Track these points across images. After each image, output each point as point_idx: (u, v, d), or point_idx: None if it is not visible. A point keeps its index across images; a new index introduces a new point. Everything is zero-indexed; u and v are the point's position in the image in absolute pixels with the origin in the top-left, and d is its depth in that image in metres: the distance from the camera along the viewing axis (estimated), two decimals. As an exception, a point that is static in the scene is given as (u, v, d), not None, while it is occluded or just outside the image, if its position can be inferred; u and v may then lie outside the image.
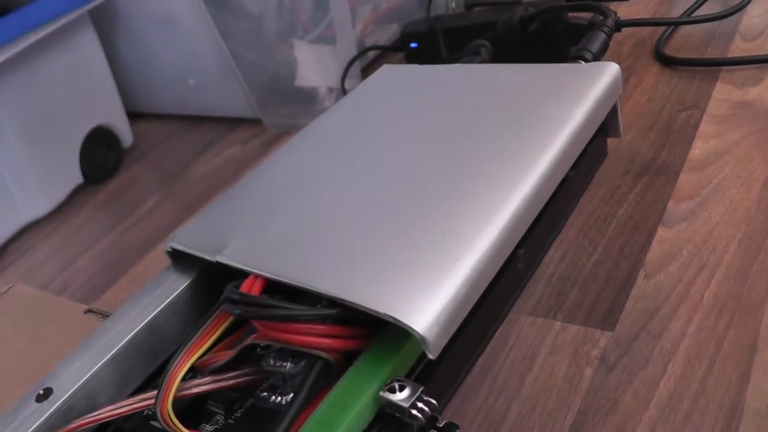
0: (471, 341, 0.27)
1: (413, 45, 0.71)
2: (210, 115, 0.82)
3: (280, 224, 0.29)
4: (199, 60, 0.77)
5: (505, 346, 0.41)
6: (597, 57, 0.40)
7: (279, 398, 0.26)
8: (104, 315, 0.39)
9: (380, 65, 0.78)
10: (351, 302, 0.24)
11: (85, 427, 0.27)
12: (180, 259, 0.31)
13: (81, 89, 0.74)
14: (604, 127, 0.34)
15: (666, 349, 0.37)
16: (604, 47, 0.41)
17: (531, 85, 0.32)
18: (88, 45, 0.76)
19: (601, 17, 0.44)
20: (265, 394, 0.27)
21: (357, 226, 0.28)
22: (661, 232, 0.46)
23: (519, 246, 0.28)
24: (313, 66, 0.71)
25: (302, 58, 0.71)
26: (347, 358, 0.25)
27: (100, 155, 0.77)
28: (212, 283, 0.29)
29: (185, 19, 0.75)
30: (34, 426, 0.28)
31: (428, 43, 0.68)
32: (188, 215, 0.67)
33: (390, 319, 0.23)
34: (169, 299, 0.31)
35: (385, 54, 0.78)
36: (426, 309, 0.23)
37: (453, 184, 0.28)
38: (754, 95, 0.57)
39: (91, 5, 0.74)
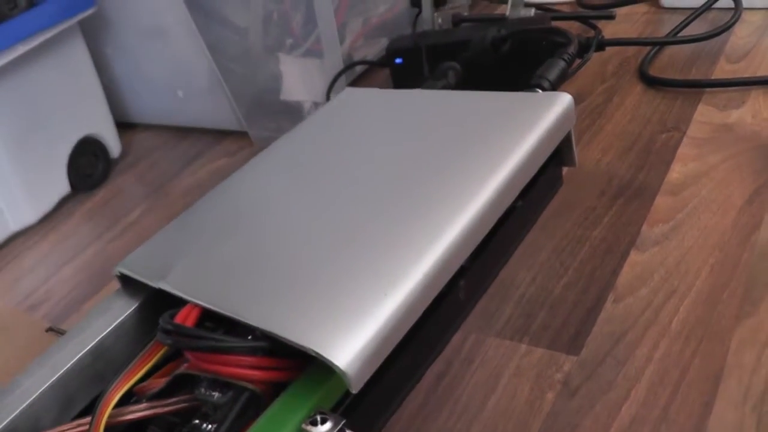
0: (402, 373, 0.27)
1: (398, 61, 0.71)
2: (198, 126, 0.82)
3: (223, 252, 0.30)
4: (187, 72, 0.78)
5: (469, 368, 0.41)
6: (555, 85, 0.40)
7: (209, 426, 0.27)
8: (62, 333, 0.39)
9: (370, 79, 0.78)
10: (278, 335, 0.24)
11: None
12: (129, 283, 0.31)
13: (70, 99, 0.75)
14: (559, 157, 0.34)
15: (630, 374, 0.37)
16: (563, 75, 0.41)
17: (483, 114, 0.33)
18: (78, 56, 0.76)
19: (564, 42, 0.44)
20: (197, 421, 0.27)
21: (295, 256, 0.28)
22: (634, 256, 0.46)
23: (460, 275, 0.28)
24: (298, 80, 0.72)
25: (287, 71, 0.71)
26: (279, 389, 0.25)
27: (88, 165, 0.77)
28: (160, 308, 0.30)
29: (173, 31, 0.75)
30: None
31: (413, 59, 0.68)
32: (173, 226, 0.66)
33: (312, 353, 0.23)
34: (115, 324, 0.31)
35: (372, 69, 0.78)
36: (349, 344, 0.23)
37: (392, 214, 0.28)
38: (736, 118, 0.57)
39: (81, 16, 0.74)
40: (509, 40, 0.53)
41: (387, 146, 0.33)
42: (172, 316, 0.27)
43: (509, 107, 0.33)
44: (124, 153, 0.82)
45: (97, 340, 0.30)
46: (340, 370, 0.23)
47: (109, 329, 0.31)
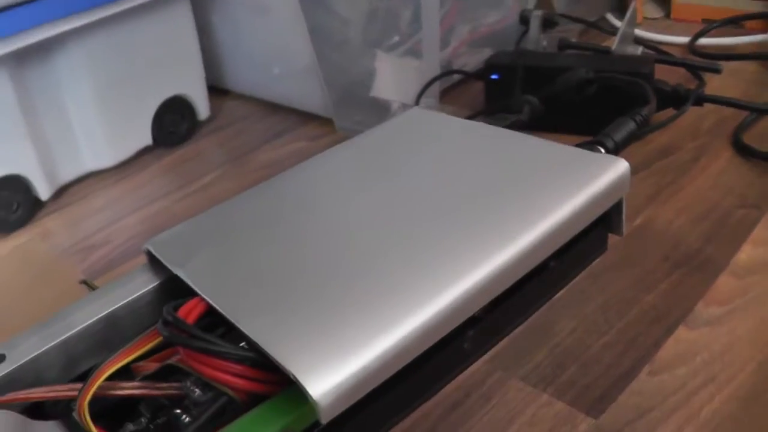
0: (384, 413, 0.26)
1: (494, 76, 0.70)
2: (287, 105, 0.83)
3: (246, 254, 0.30)
4: (286, 51, 0.78)
5: (486, 404, 0.41)
6: (619, 147, 0.39)
7: (187, 419, 0.27)
8: (95, 289, 0.41)
9: (464, 89, 0.77)
10: (264, 349, 0.24)
11: (15, 402, 0.28)
12: (156, 261, 0.32)
13: (166, 58, 0.77)
14: (606, 223, 0.33)
15: (644, 453, 0.36)
16: (629, 138, 0.40)
17: (535, 163, 0.32)
18: (181, 19, 0.78)
19: (643, 101, 0.43)
20: (179, 411, 0.28)
21: (309, 273, 0.28)
22: (681, 331, 0.44)
23: (470, 325, 0.28)
24: (391, 79, 0.72)
25: (381, 69, 0.71)
26: (258, 400, 0.25)
27: (173, 123, 0.79)
28: (178, 292, 0.30)
29: (280, 10, 0.76)
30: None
31: (509, 78, 0.67)
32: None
33: (290, 376, 0.23)
34: (131, 297, 0.32)
35: (467, 79, 0.78)
36: (328, 375, 0.23)
37: (413, 250, 0.28)
38: (821, 212, 0.55)
39: (193, -19, 0.76)
40: (595, 84, 0.51)
41: (432, 177, 0.32)
42: (177, 308, 0.27)
43: (564, 162, 0.32)
44: (212, 117, 0.84)
45: (110, 309, 0.31)
46: (312, 399, 0.23)
47: (124, 302, 0.31)
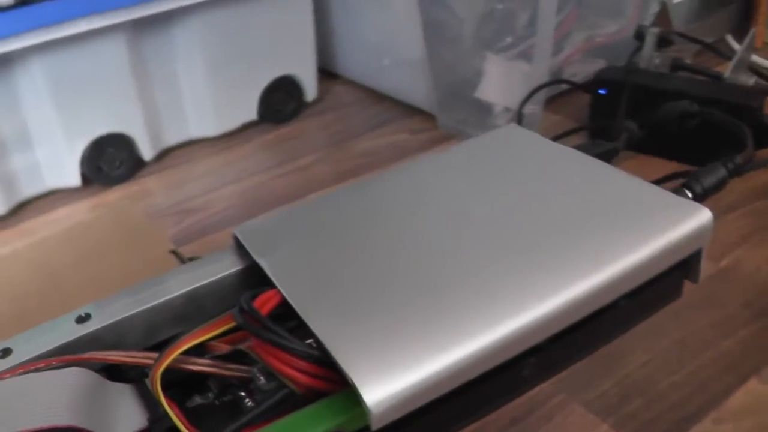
0: (434, 427, 0.27)
1: (601, 91, 0.70)
2: (393, 96, 0.84)
3: (327, 254, 0.31)
4: (398, 43, 0.79)
5: (545, 425, 0.41)
6: (706, 193, 0.38)
7: (249, 403, 0.29)
8: (183, 261, 0.43)
9: (570, 99, 0.77)
10: (328, 350, 0.25)
11: (94, 361, 0.30)
12: (242, 246, 0.34)
13: (281, 38, 0.79)
14: (683, 269, 0.32)
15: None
16: (719, 185, 0.39)
17: (619, 200, 0.32)
18: (300, 1, 0.80)
19: (740, 146, 0.42)
20: (243, 394, 0.29)
21: (383, 281, 0.29)
22: (753, 383, 0.44)
23: (532, 353, 0.28)
24: (498, 82, 0.72)
25: (490, 71, 0.72)
26: (317, 396, 0.26)
27: (280, 101, 0.81)
28: (259, 278, 0.31)
29: (395, 2, 0.77)
30: (63, 342, 0.31)
31: (616, 94, 0.67)
32: (338, 182, 0.69)
33: (348, 379, 0.24)
34: (214, 278, 0.33)
35: (574, 90, 0.77)
36: (385, 384, 0.24)
37: (487, 272, 0.29)
38: None
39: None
40: (697, 117, 0.50)
41: (517, 199, 0.33)
42: (254, 297, 0.29)
43: (648, 203, 0.32)
44: (318, 99, 0.85)
45: (193, 287, 0.33)
46: (365, 404, 0.24)
47: (206, 281, 0.33)
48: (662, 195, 0.32)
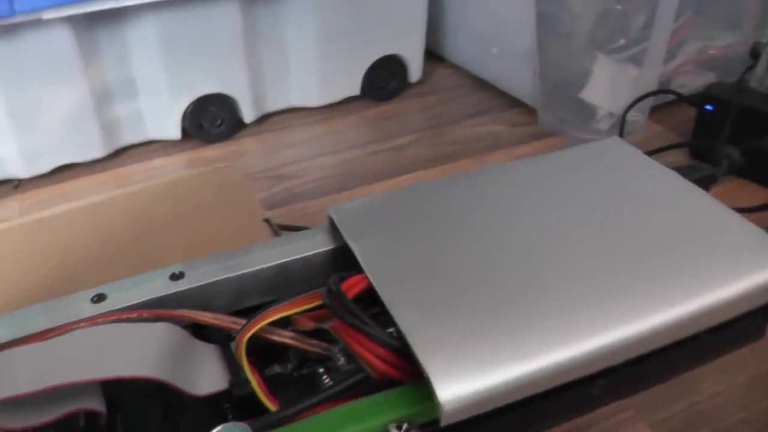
0: (498, 429, 0.28)
1: (708, 107, 0.68)
2: (496, 86, 0.84)
3: (419, 245, 0.32)
4: (509, 34, 0.79)
5: (608, 438, 0.41)
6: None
7: (327, 380, 0.29)
8: (275, 231, 0.44)
9: (675, 110, 0.75)
10: (408, 341, 0.26)
11: (183, 319, 0.31)
12: (336, 227, 0.34)
13: (392, 18, 0.79)
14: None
15: None
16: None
17: (713, 233, 0.31)
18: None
19: None
20: (322, 370, 0.30)
21: (472, 280, 0.29)
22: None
23: (604, 374, 0.28)
24: (605, 85, 0.71)
25: (598, 73, 0.71)
26: (391, 384, 0.27)
27: (384, 79, 0.82)
28: (349, 260, 0.32)
29: (513, -6, 0.77)
30: (156, 296, 0.33)
31: (723, 112, 0.65)
32: (431, 166, 0.70)
33: (424, 373, 0.25)
34: (305, 255, 0.35)
35: (680, 102, 0.75)
36: (458, 383, 0.25)
37: (573, 286, 0.29)
38: None
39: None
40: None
41: (610, 216, 0.33)
42: (342, 280, 0.30)
43: (741, 240, 0.31)
44: (422, 81, 0.86)
45: (284, 260, 0.34)
46: (438, 400, 0.25)
47: (298, 256, 0.34)
48: (757, 234, 0.32)
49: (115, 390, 0.31)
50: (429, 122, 0.80)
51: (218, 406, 0.31)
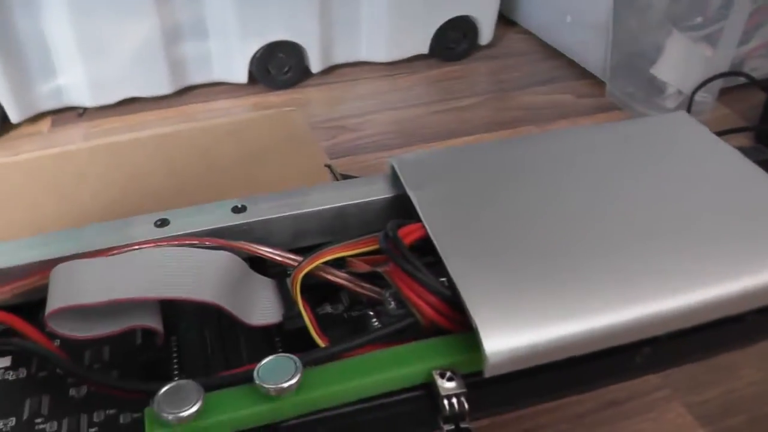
0: (540, 389, 0.28)
1: (779, 94, 0.66)
2: (566, 55, 0.83)
3: (477, 200, 0.32)
4: (584, 3, 0.78)
5: (641, 415, 0.42)
6: None
7: (376, 323, 0.30)
8: (336, 176, 0.45)
9: (745, 94, 0.74)
10: (459, 291, 0.26)
11: (242, 251, 0.32)
12: (397, 176, 0.35)
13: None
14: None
15: None
16: None
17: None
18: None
19: None
20: (372, 313, 0.31)
21: (527, 238, 0.30)
22: None
23: (648, 343, 0.29)
24: (677, 62, 0.70)
25: (671, 49, 0.70)
26: (438, 332, 0.28)
27: (453, 40, 0.82)
28: (407, 210, 0.33)
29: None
30: (217, 226, 0.34)
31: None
32: (492, 130, 0.70)
33: (473, 324, 0.25)
34: (365, 200, 0.35)
35: (751, 86, 0.74)
36: (505, 337, 0.25)
37: (626, 252, 0.29)
38: None
39: None
40: None
41: (668, 190, 0.33)
42: (399, 226, 0.30)
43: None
44: (492, 44, 0.85)
45: (344, 203, 0.35)
46: (484, 352, 0.25)
47: (358, 201, 0.35)
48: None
49: (172, 312, 0.32)
50: (495, 86, 0.79)
51: (269, 338, 0.32)
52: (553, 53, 0.85)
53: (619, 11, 0.73)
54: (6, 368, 0.32)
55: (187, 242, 0.32)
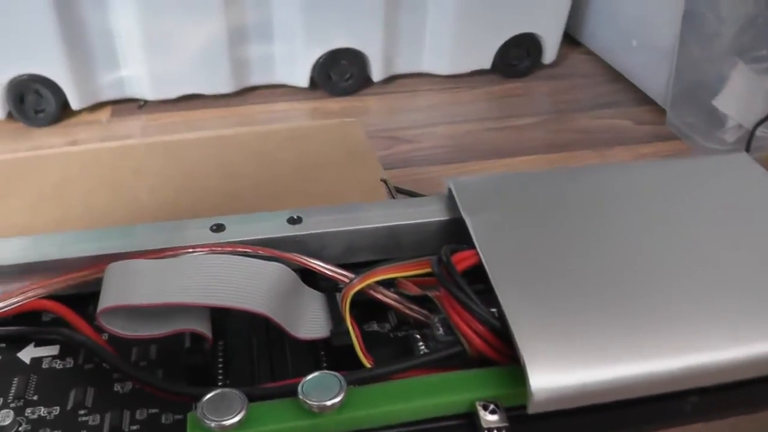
0: (583, 427, 0.28)
1: None
2: (629, 79, 0.82)
3: (535, 229, 0.32)
4: (652, 27, 0.77)
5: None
6: None
7: (422, 347, 0.30)
8: (391, 192, 0.45)
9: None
10: (510, 324, 0.26)
11: (295, 263, 0.32)
12: (454, 198, 0.35)
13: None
14: None
15: None
16: None
17: None
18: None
19: None
20: (419, 336, 0.31)
21: (586, 273, 0.29)
22: None
23: (697, 392, 0.28)
24: (739, 96, 0.68)
25: (735, 81, 0.68)
26: (485, 363, 0.28)
27: (517, 57, 0.81)
28: (462, 234, 0.33)
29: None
30: (272, 236, 0.34)
31: None
32: (547, 152, 0.69)
33: (520, 358, 0.25)
34: (419, 221, 0.35)
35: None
36: (553, 374, 0.25)
37: (684, 298, 0.29)
38: None
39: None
40: None
41: (729, 237, 0.32)
42: (453, 252, 0.30)
43: None
44: (555, 63, 0.84)
45: (399, 223, 0.35)
46: (530, 388, 0.25)
47: (412, 221, 0.35)
48: None
49: (222, 317, 0.32)
50: (554, 107, 0.79)
51: (316, 352, 0.32)
52: (615, 76, 0.85)
53: (686, 38, 0.72)
54: (54, 357, 0.33)
55: (241, 250, 0.33)
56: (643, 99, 0.79)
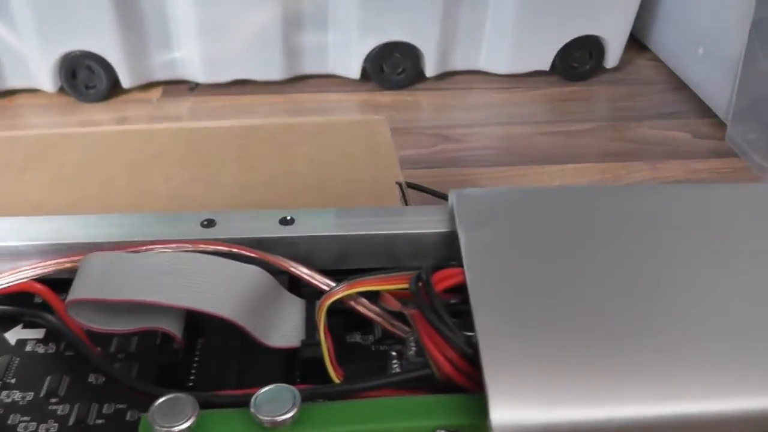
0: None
1: None
2: (692, 89, 0.78)
3: (531, 254, 0.30)
4: (719, 35, 0.73)
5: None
6: None
7: (395, 364, 0.29)
8: (403, 195, 0.43)
9: None
10: (481, 352, 0.25)
11: (276, 265, 0.31)
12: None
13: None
14: None
15: None
16: None
17: None
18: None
19: None
20: (394, 353, 0.30)
21: (574, 309, 0.27)
22: None
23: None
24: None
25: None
26: (453, 388, 0.26)
27: (578, 59, 0.79)
28: (458, 247, 0.31)
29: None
30: (261, 236, 0.33)
31: None
32: (599, 160, 0.67)
33: (485, 390, 0.24)
34: (418, 231, 0.34)
35: None
36: (518, 410, 0.24)
37: (681, 340, 0.26)
38: None
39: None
40: None
41: (757, 272, 0.29)
42: (439, 268, 0.29)
43: None
44: (617, 68, 0.81)
45: (396, 232, 0.34)
46: (490, 422, 0.23)
47: (407, 231, 0.34)
48: None
49: (201, 317, 0.32)
50: (612, 113, 0.76)
51: (292, 361, 0.31)
52: (678, 85, 0.81)
53: (753, 49, 0.68)
54: (38, 340, 0.33)
55: (226, 249, 0.32)
56: (706, 111, 0.76)
